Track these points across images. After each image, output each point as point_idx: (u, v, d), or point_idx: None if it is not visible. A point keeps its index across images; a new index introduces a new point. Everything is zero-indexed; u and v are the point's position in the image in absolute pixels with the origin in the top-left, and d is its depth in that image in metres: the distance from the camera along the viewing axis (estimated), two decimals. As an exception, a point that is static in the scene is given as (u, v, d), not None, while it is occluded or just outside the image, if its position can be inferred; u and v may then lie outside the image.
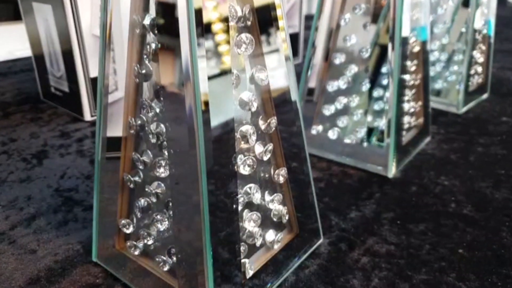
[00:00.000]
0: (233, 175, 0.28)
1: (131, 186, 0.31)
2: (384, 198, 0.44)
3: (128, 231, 0.32)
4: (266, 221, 0.33)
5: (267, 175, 0.33)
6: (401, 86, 0.47)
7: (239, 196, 0.29)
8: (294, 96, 0.32)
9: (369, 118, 0.50)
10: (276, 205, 0.33)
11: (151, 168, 0.29)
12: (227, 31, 0.26)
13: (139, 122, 0.29)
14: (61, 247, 0.37)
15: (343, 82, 0.50)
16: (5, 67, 0.89)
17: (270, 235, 0.33)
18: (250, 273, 0.31)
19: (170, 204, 0.29)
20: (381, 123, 0.49)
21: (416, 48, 0.50)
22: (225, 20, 0.26)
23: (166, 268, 0.31)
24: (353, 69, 0.49)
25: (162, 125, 0.28)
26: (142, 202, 0.31)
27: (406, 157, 0.51)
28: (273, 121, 0.31)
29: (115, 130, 0.32)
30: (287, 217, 0.34)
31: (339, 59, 0.49)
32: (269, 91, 0.30)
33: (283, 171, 0.32)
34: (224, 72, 0.26)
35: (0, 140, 0.57)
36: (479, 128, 0.61)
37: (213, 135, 0.26)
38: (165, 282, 0.31)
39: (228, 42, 0.26)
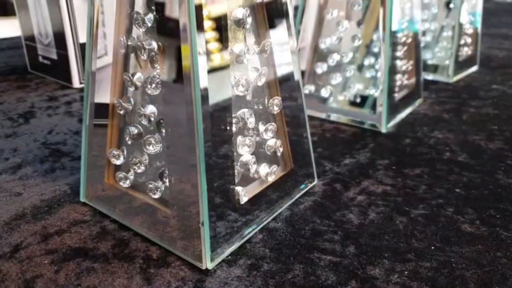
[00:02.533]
0: (227, 99, 0.28)
1: (122, 112, 0.30)
2: (378, 148, 0.44)
3: (118, 162, 0.31)
4: (260, 155, 0.32)
5: (261, 106, 0.32)
6: (394, 42, 0.47)
7: (233, 119, 0.29)
8: (297, 76, 0.33)
9: (361, 86, 0.50)
10: (270, 136, 0.32)
11: (142, 88, 0.28)
12: None
13: (129, 42, 0.28)
14: (48, 189, 0.36)
15: (335, 38, 0.49)
16: (-9, 45, 0.87)
17: (264, 168, 0.32)
18: (244, 199, 0.30)
19: (162, 122, 0.28)
20: (373, 91, 0.49)
21: (408, 5, 0.50)
22: None
23: (157, 195, 0.29)
24: (346, 24, 0.49)
25: (154, 43, 0.27)
26: (133, 129, 0.30)
27: (398, 114, 0.51)
28: (268, 43, 0.30)
29: (104, 96, 0.31)
30: (281, 150, 0.33)
31: (331, 14, 0.49)
32: (264, 10, 0.29)
33: (276, 101, 0.32)
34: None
35: (-15, 104, 0.56)
36: (470, 94, 0.61)
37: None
38: (155, 210, 0.29)
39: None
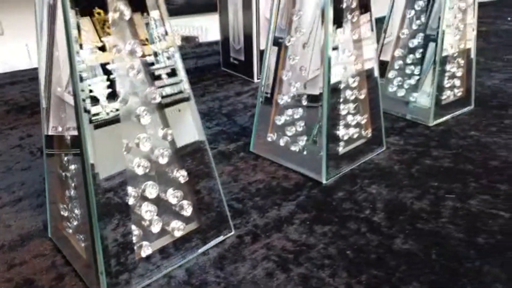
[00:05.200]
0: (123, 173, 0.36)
1: (64, 179, 0.40)
2: (307, 200, 0.49)
3: (65, 214, 0.41)
4: (168, 211, 0.40)
5: (169, 175, 0.40)
6: (336, 101, 0.52)
7: (133, 191, 0.37)
8: (201, 136, 0.40)
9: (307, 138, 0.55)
10: (178, 199, 0.40)
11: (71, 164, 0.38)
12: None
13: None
14: (29, 224, 0.47)
15: (287, 97, 0.55)
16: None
17: (172, 223, 0.40)
18: (145, 253, 0.38)
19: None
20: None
21: (358, 66, 0.54)
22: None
23: (83, 244, 0.39)
24: (297, 84, 0.54)
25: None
26: (72, 192, 0.40)
27: (345, 165, 0.55)
28: (170, 131, 0.38)
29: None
30: (188, 211, 0.40)
31: (286, 75, 0.55)
32: (162, 109, 0.37)
33: (182, 172, 0.39)
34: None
35: (19, 135, 0.70)
36: (441, 141, 0.63)
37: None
38: (82, 256, 0.39)
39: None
